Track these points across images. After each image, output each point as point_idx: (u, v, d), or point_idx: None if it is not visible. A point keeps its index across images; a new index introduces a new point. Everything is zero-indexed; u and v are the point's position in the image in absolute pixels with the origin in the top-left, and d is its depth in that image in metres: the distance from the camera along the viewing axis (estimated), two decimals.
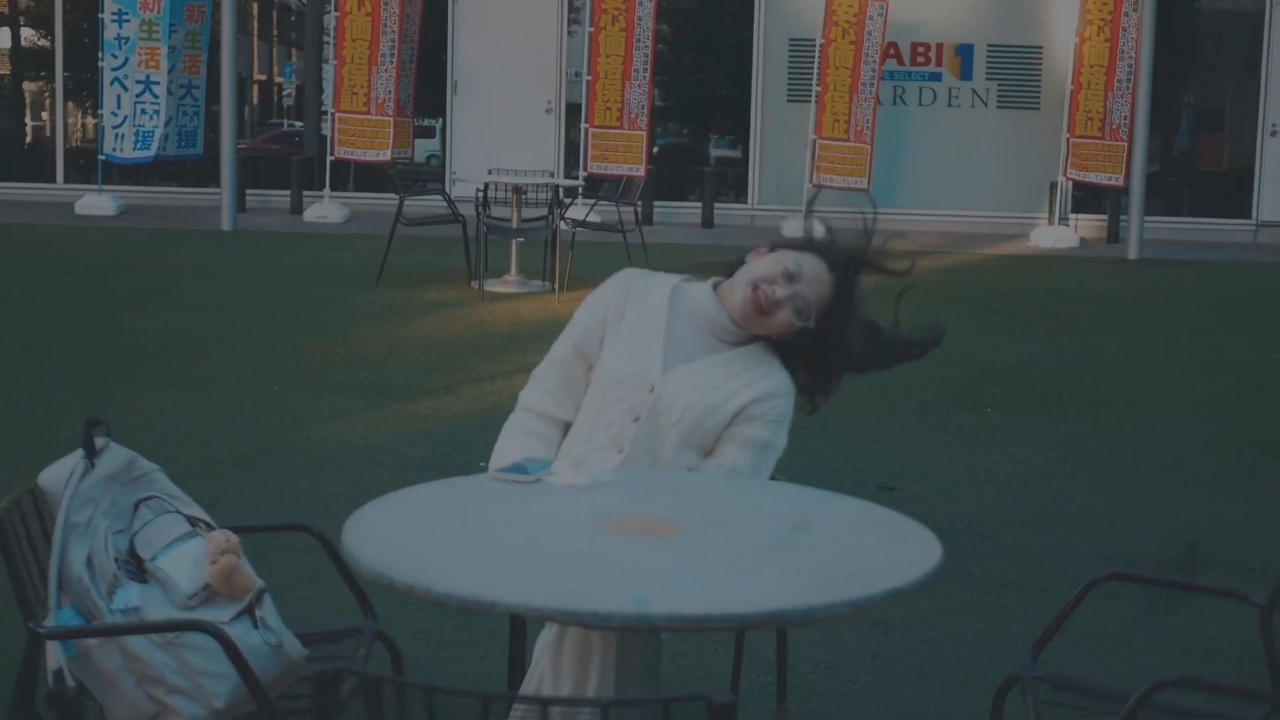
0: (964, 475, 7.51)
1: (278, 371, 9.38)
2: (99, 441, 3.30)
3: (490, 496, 3.35)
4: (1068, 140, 17.67)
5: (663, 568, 2.89)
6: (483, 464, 7.47)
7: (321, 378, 9.25)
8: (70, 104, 20.23)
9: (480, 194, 13.06)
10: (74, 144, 20.08)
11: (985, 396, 9.24)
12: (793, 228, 13.29)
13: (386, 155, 17.17)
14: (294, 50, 22.52)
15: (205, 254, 14.71)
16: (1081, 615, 5.62)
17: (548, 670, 3.45)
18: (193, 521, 3.38)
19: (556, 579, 2.81)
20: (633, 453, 3.71)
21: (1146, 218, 16.94)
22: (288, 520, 5.92)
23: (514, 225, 13.28)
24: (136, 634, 3.07)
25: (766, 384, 3.77)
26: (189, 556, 3.31)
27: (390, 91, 17.14)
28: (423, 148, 19.79)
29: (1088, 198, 18.65)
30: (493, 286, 12.88)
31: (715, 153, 20.29)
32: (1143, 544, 6.49)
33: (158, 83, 17.15)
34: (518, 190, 13.32)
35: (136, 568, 3.27)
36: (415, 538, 3.04)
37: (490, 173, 13.88)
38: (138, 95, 17.15)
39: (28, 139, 20.91)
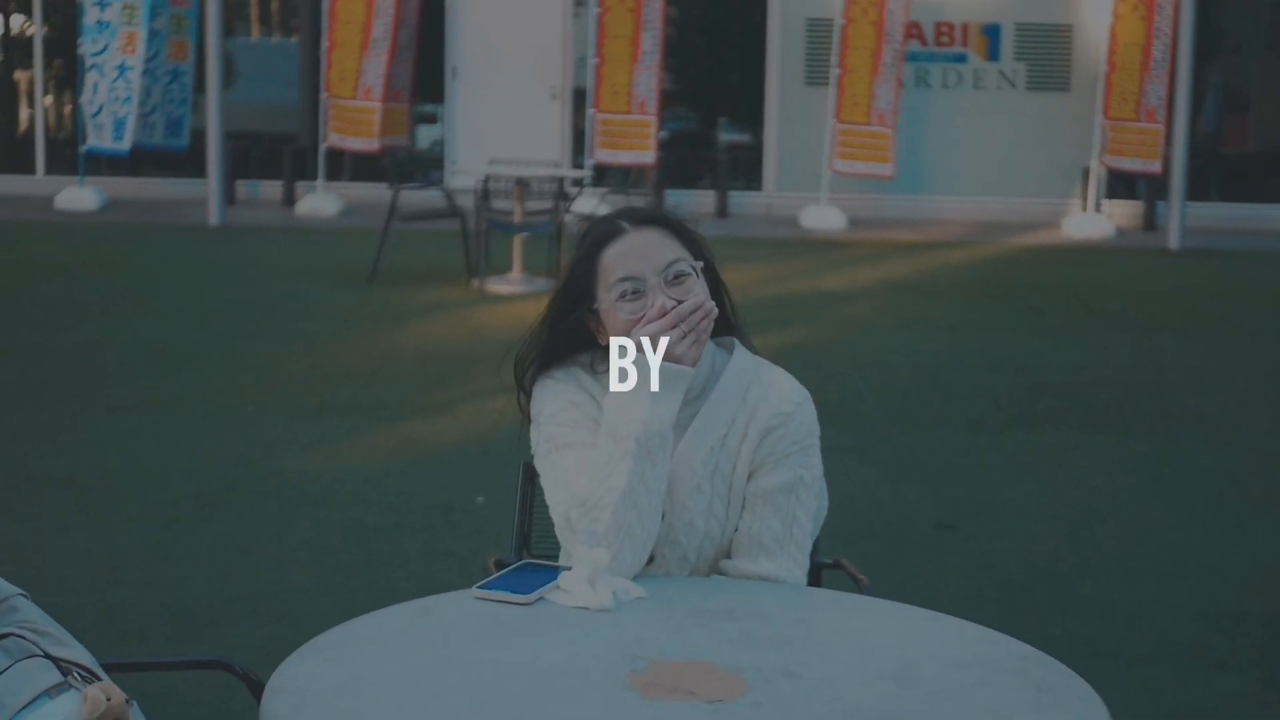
0: (1028, 508, 6.58)
1: (253, 389, 8.46)
2: None
3: (475, 630, 2.44)
4: (1103, 124, 16.71)
5: None
6: (481, 499, 6.60)
7: (302, 396, 8.33)
8: (53, 94, 19.29)
9: (481, 186, 12.15)
10: (56, 135, 19.14)
11: (1040, 410, 8.30)
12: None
13: (374, 144, 16.23)
14: (292, 35, 21.55)
15: (187, 253, 13.78)
16: (1191, 691, 4.74)
17: None
18: (64, 669, 2.46)
19: None
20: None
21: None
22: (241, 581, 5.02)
23: (516, 219, 12.35)
24: None
25: (763, 411, 2.93)
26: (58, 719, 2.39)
27: (380, 77, 16.16)
28: (426, 134, 18.86)
29: (1118, 183, 17.71)
30: (494, 286, 11.96)
31: (727, 138, 19.34)
32: (1248, 597, 5.57)
33: (132, 68, 16.20)
34: (521, 182, 12.38)
35: None
36: (370, 708, 2.13)
37: (491, 163, 12.96)
38: (113, 81, 16.22)
39: (19, 130, 19.89)
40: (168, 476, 6.72)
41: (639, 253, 2.95)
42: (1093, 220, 16.88)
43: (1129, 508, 6.61)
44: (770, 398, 2.95)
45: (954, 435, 7.78)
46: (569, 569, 2.66)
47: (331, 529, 6.05)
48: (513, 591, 2.58)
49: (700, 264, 2.98)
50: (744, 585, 2.78)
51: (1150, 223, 17.21)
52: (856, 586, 3.17)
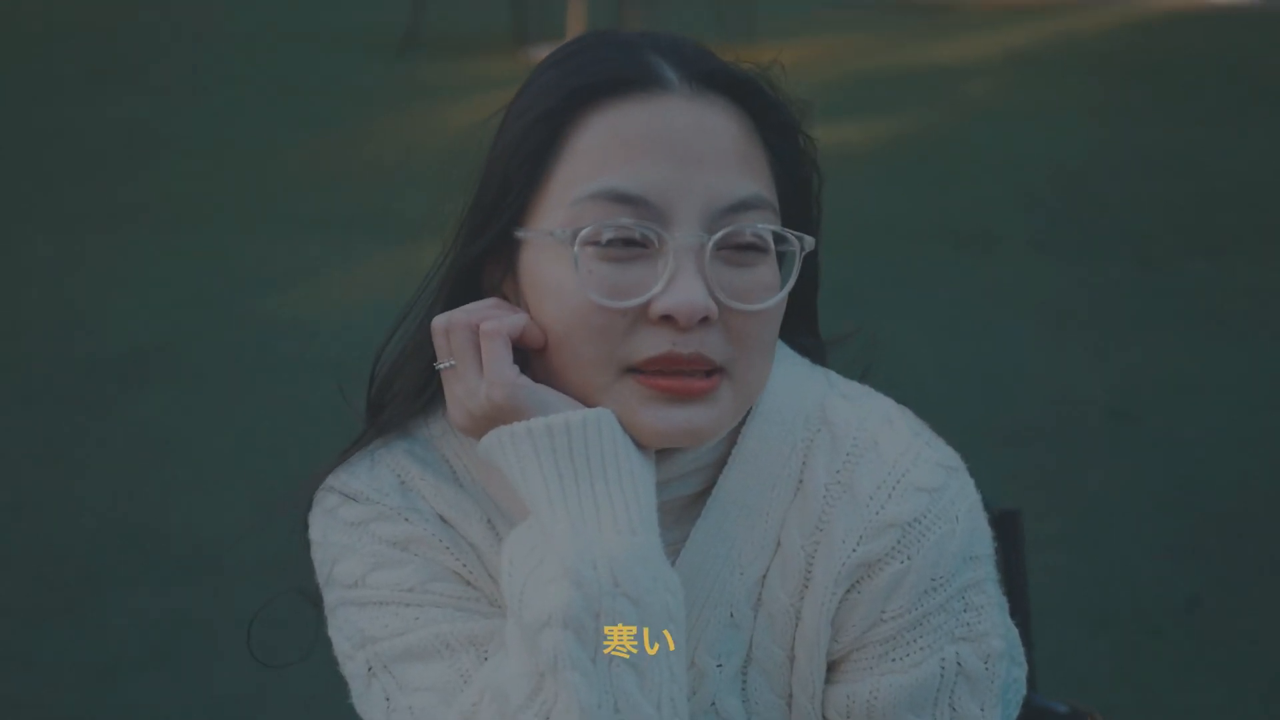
0: (1228, 387, 4.90)
1: (237, 191, 6.84)
2: None
3: None
4: None
5: None
6: None
7: (295, 203, 6.71)
8: None
9: None
10: None
11: (1220, 231, 6.54)
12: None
13: None
14: None
15: (198, 12, 12.04)
16: None
17: None
18: None
19: None
20: None
21: None
22: None
23: None
24: None
25: (849, 516, 1.32)
26: None
27: None
28: None
29: None
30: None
31: None
32: None
33: None
34: None
35: None
36: None
37: None
38: None
39: None
40: (99, 324, 5.17)
41: (680, 150, 1.29)
42: None
43: None
44: (863, 481, 1.32)
45: (1116, 269, 6.06)
46: None
47: (299, 413, 4.47)
48: None
49: (809, 240, 1.32)
50: None
51: None
52: None
